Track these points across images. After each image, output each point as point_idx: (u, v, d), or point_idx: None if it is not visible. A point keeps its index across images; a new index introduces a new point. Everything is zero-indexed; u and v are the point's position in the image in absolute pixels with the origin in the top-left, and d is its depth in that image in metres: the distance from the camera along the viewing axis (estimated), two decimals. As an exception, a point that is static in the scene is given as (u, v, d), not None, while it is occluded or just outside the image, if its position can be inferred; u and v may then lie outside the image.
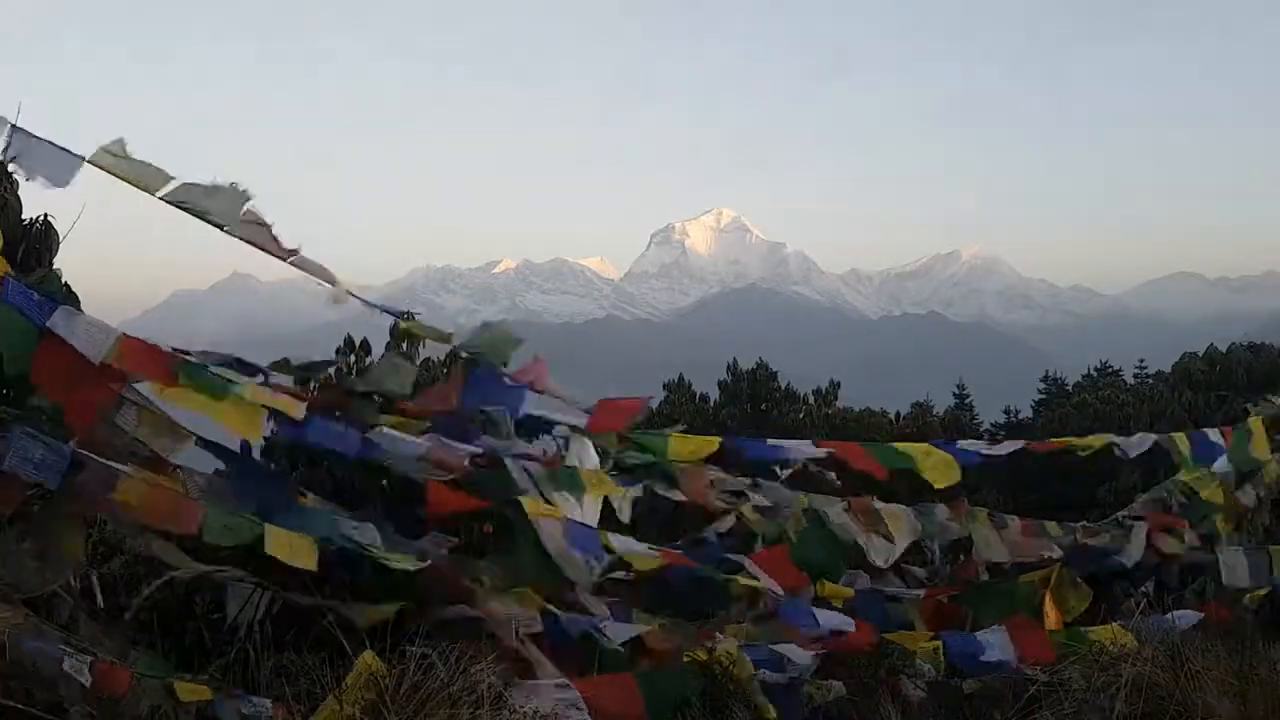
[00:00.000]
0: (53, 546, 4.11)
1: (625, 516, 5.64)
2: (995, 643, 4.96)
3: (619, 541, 5.13)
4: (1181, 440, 6.95)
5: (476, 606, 4.36)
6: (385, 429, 4.95)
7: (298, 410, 4.51)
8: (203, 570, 4.55)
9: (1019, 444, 7.14)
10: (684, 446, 6.15)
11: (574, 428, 5.84)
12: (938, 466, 6.33)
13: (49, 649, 3.56)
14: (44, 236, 5.14)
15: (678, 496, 5.94)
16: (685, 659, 4.57)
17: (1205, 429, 7.33)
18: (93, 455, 4.14)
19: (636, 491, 5.73)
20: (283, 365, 5.40)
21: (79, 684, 3.47)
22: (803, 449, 6.55)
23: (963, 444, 6.85)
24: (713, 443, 6.28)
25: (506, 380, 5.71)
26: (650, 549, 5.29)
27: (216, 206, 4.62)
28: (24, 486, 4.12)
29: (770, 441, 6.88)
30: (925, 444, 6.70)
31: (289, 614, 4.90)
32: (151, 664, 4.13)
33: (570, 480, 5.33)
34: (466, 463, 5.01)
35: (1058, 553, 6.20)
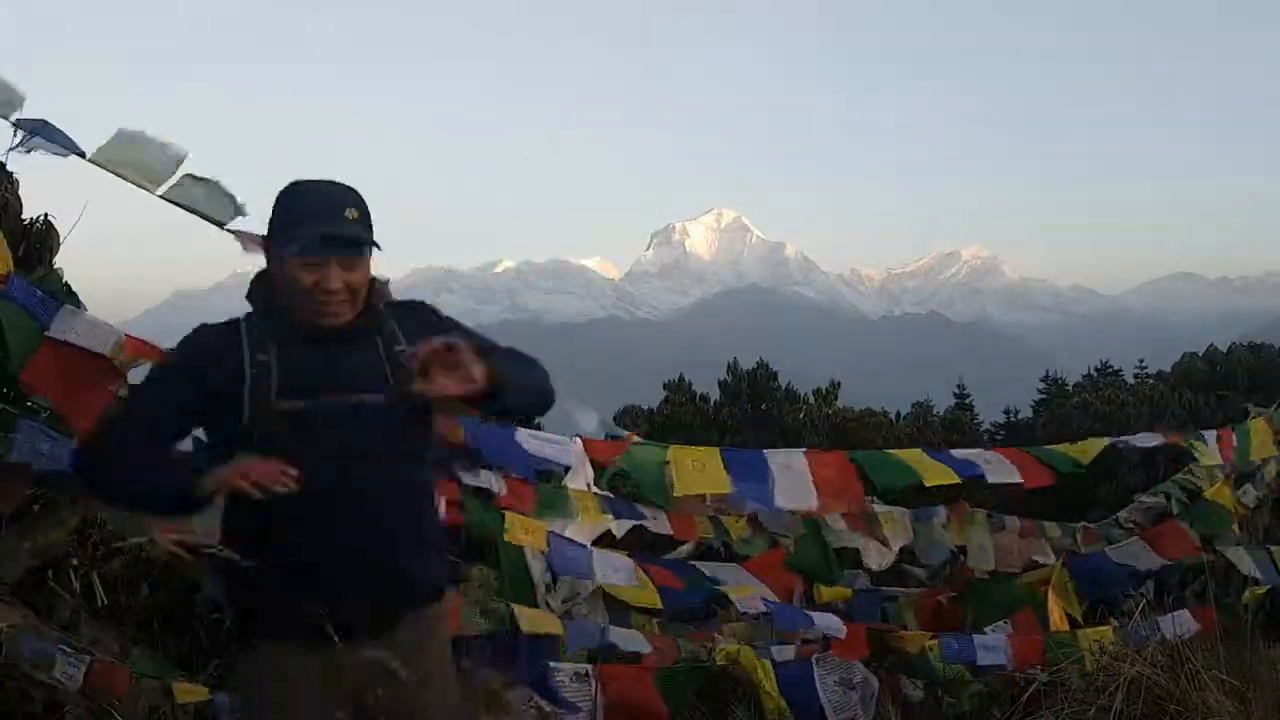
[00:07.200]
0: (40, 533, 4.11)
1: (619, 532, 5.51)
2: (990, 644, 4.94)
3: (604, 564, 4.98)
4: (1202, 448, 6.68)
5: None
6: None
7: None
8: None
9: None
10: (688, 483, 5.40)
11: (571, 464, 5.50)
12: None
13: (47, 649, 3.57)
14: (44, 236, 5.14)
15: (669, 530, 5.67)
16: (688, 659, 4.60)
17: (1204, 430, 7.27)
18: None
19: (629, 523, 5.55)
20: None
21: (76, 685, 3.47)
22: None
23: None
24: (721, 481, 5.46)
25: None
26: (636, 565, 5.14)
27: (209, 205, 4.53)
28: (26, 484, 4.12)
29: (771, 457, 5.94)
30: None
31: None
32: (151, 664, 4.13)
33: (558, 501, 5.15)
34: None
35: (1050, 557, 6.15)
